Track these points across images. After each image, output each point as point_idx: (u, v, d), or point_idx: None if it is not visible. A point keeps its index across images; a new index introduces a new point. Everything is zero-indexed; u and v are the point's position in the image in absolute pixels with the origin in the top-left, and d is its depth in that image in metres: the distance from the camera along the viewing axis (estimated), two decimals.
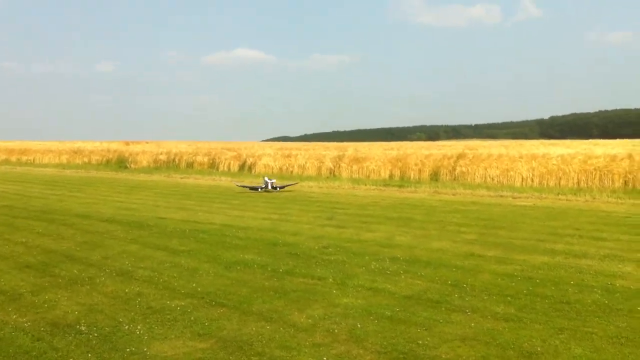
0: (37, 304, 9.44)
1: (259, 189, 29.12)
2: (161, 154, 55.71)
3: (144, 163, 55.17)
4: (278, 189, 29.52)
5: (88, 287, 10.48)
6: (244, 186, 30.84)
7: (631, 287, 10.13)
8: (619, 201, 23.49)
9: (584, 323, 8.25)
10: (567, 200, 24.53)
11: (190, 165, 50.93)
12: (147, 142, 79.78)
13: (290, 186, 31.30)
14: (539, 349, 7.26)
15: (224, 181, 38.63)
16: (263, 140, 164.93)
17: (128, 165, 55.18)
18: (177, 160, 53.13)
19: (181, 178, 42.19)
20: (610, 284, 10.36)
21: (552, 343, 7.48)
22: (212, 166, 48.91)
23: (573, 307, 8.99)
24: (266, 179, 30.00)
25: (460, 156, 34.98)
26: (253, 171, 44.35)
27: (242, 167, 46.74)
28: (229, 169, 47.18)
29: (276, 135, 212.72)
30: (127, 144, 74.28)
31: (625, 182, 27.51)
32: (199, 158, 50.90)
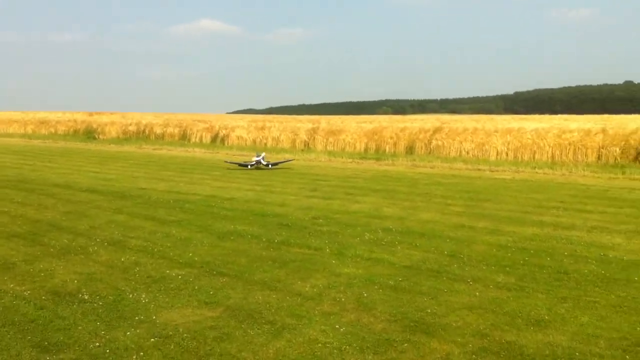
0: (33, 273, 9.25)
1: (249, 166, 26.89)
2: (130, 125, 54.83)
3: (113, 134, 54.30)
4: (270, 165, 27.19)
5: (82, 256, 10.31)
6: (232, 162, 28.68)
7: (624, 258, 10.31)
8: (595, 175, 23.87)
9: (585, 292, 8.38)
10: (544, 173, 24.86)
11: (160, 136, 50.26)
12: (111, 114, 78.19)
13: (284, 163, 28.92)
14: (547, 317, 7.36)
15: (198, 153, 38.32)
16: (228, 113, 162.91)
17: (96, 136, 54.25)
18: (147, 131, 52.38)
19: (153, 149, 41.63)
20: (603, 254, 10.53)
21: (557, 312, 7.58)
22: (184, 138, 48.33)
23: (572, 277, 9.12)
24: (257, 155, 27.61)
25: (436, 130, 35.13)
26: (226, 143, 43.96)
27: (214, 138, 46.26)
28: (201, 140, 46.67)
29: (242, 108, 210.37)
30: (91, 114, 72.62)
31: (599, 156, 27.95)
32: (170, 129, 50.23)
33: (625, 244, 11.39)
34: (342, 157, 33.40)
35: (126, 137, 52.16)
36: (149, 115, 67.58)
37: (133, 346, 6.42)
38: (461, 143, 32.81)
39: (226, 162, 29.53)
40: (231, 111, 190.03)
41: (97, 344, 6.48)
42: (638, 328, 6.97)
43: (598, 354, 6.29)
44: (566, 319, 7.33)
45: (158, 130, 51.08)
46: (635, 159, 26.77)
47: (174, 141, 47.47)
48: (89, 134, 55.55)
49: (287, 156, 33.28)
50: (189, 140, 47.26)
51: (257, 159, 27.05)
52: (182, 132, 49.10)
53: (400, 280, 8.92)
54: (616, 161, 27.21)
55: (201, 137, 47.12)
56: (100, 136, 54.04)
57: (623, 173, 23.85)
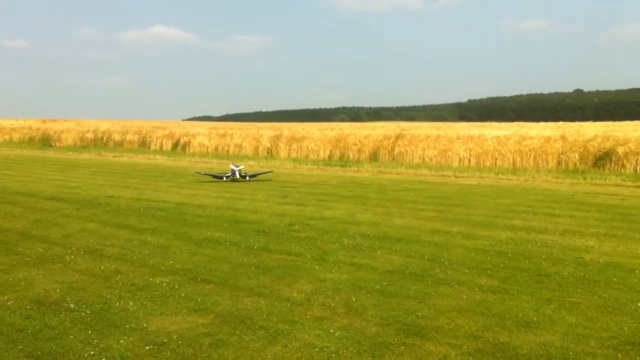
0: (13, 282, 9.01)
1: (224, 178, 24.91)
2: (88, 132, 54.04)
3: (70, 141, 53.43)
4: (248, 177, 25.18)
5: (60, 265, 10.09)
6: (206, 174, 26.44)
7: (600, 260, 10.56)
8: (558, 180, 24.39)
9: (568, 294, 8.55)
10: (507, 179, 25.28)
11: (119, 144, 49.66)
12: (65, 120, 76.71)
13: (263, 175, 26.47)
14: (535, 319, 7.48)
15: (160, 160, 37.92)
16: (184, 120, 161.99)
17: (53, 144, 53.28)
18: (105, 138, 51.67)
19: (114, 157, 41.05)
20: (580, 257, 10.76)
21: (545, 313, 7.71)
22: (143, 145, 47.83)
23: (553, 279, 9.30)
24: (232, 166, 25.31)
25: (399, 137, 35.45)
26: (187, 150, 43.62)
27: (175, 146, 45.85)
28: (162, 147, 46.25)
29: (197, 115, 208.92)
30: (44, 122, 71.22)
31: (559, 162, 28.65)
32: (129, 137, 49.69)
33: (599, 247, 11.66)
34: (307, 164, 33.43)
35: (84, 145, 51.36)
36: (106, 123, 66.62)
37: (129, 354, 6.31)
38: (424, 150, 33.21)
39: (198, 173, 27.13)
40: (187, 118, 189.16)
41: (92, 352, 6.34)
42: (625, 327, 7.14)
43: (591, 353, 6.42)
44: (554, 319, 7.46)
45: (117, 138, 50.48)
46: (595, 164, 27.51)
47: (134, 148, 46.92)
48: (45, 141, 54.54)
49: (252, 163, 33.24)
50: (149, 147, 46.77)
51: (234, 169, 25.09)
52: (141, 139, 48.58)
53: (386, 285, 8.97)
54: (576, 167, 27.92)
55: (162, 144, 46.69)
56: (57, 143, 53.09)
57: (584, 178, 24.46)
